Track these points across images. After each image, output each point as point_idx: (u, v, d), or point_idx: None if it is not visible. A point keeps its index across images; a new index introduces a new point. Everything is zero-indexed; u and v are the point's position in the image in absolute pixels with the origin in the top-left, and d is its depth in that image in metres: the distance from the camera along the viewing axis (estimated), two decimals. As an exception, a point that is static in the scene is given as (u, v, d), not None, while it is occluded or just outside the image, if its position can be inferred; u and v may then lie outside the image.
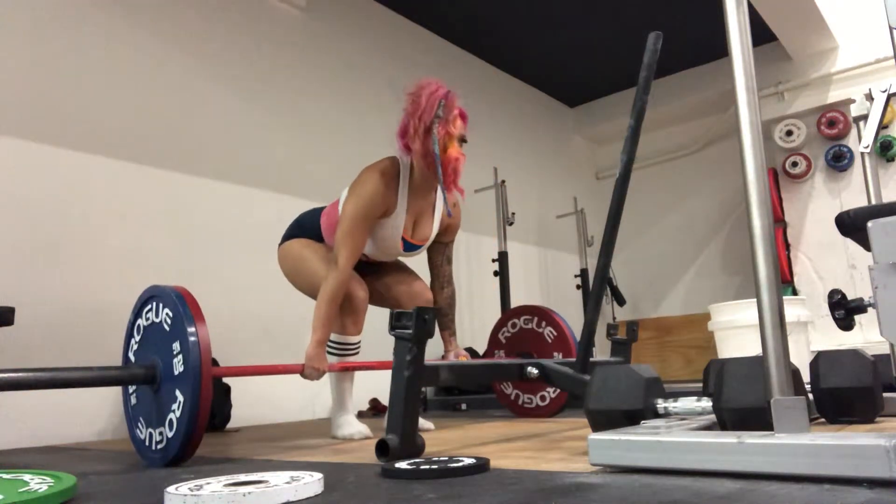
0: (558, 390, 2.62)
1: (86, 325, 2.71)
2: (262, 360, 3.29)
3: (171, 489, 1.04)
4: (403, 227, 2.16)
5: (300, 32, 3.84)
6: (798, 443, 0.95)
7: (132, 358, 1.82)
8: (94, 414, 2.67)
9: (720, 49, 1.16)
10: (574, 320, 5.53)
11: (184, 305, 1.64)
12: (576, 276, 5.48)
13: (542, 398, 2.70)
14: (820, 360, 1.68)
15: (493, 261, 4.47)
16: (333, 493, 1.08)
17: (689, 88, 5.43)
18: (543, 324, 2.74)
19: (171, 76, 3.19)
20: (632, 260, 5.80)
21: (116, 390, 2.75)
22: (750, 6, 1.21)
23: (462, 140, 2.10)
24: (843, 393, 1.61)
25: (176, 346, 1.62)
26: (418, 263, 2.47)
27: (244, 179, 3.38)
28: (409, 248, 2.23)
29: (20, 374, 1.53)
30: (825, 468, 0.93)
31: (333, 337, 2.21)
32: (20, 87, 2.69)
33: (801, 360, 2.55)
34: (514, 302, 4.20)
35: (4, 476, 1.27)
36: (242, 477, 1.13)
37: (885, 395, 1.69)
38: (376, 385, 3.23)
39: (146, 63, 3.11)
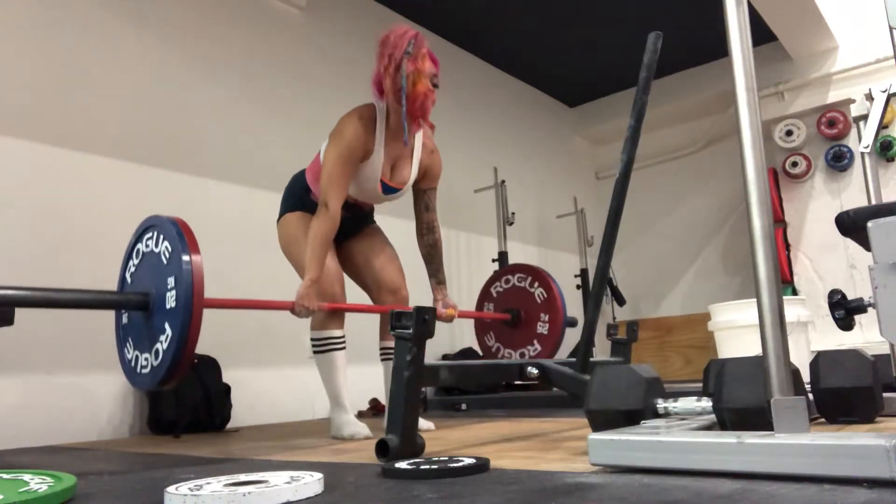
0: (539, 349, 2.70)
1: (86, 325, 2.70)
2: (262, 359, 3.30)
3: (171, 489, 1.04)
4: (381, 170, 2.21)
5: (300, 32, 3.84)
6: (798, 443, 0.95)
7: (128, 280, 1.86)
8: (94, 414, 2.67)
9: (720, 49, 1.16)
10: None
11: (182, 240, 1.66)
12: (576, 276, 5.48)
13: (522, 355, 2.75)
14: (820, 360, 1.68)
15: (493, 261, 4.47)
16: (333, 493, 1.08)
17: (689, 88, 5.44)
18: (536, 284, 2.77)
19: (171, 76, 3.19)
20: (632, 260, 5.81)
21: (117, 394, 2.76)
22: (750, 6, 1.21)
23: (434, 82, 2.13)
24: (843, 393, 1.61)
25: (171, 280, 1.64)
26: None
27: (244, 179, 3.38)
28: (388, 190, 2.26)
29: (16, 292, 1.57)
30: (825, 468, 0.93)
31: (314, 334, 2.23)
32: (20, 88, 2.69)
33: (801, 360, 2.55)
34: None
35: (4, 476, 1.27)
36: (242, 477, 1.13)
37: (885, 395, 1.69)
38: (376, 385, 3.22)
39: (146, 63, 3.11)
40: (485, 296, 2.95)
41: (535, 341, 2.72)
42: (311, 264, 2.06)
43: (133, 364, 1.75)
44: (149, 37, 3.14)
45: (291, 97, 3.70)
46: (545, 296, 2.73)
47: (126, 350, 1.80)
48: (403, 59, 2.06)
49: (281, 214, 2.38)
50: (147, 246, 1.79)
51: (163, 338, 1.63)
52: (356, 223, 2.41)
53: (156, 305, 1.69)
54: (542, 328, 2.71)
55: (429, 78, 2.11)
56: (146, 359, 1.69)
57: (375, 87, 2.17)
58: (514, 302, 2.83)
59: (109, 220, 2.86)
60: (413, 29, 2.13)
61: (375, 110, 2.19)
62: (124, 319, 1.86)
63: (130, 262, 1.86)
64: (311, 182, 2.30)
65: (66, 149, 2.77)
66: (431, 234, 2.41)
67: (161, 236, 1.73)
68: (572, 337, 5.37)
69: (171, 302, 1.63)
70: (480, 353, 2.98)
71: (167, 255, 1.69)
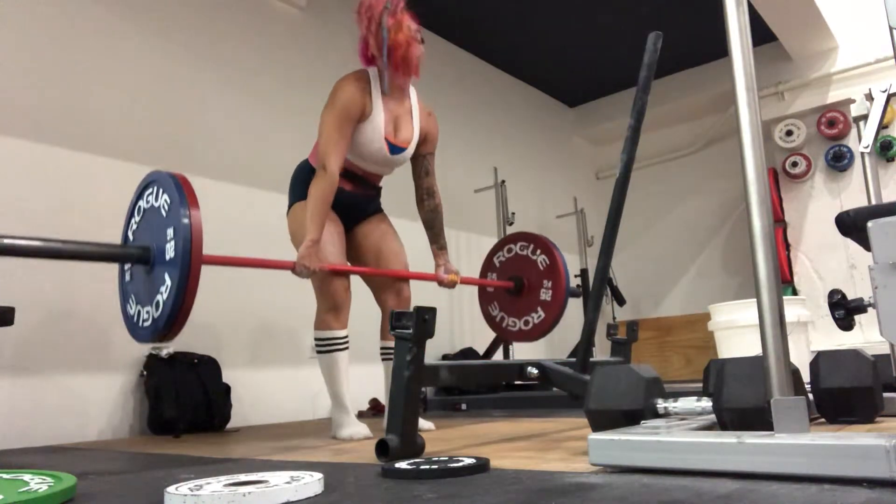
0: (543, 315, 2.70)
1: (86, 326, 2.71)
2: (263, 358, 3.30)
3: (171, 489, 1.04)
4: (385, 129, 2.23)
5: (300, 32, 3.84)
6: (798, 443, 0.95)
7: (131, 237, 1.88)
8: (94, 414, 2.67)
9: (720, 49, 1.16)
10: (574, 320, 5.54)
11: (180, 193, 1.69)
12: (576, 276, 5.47)
13: (526, 322, 2.75)
14: (820, 360, 1.68)
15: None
16: (333, 493, 1.08)
17: (689, 88, 5.44)
18: (538, 252, 2.78)
19: (171, 76, 3.19)
20: (632, 260, 5.80)
21: (116, 390, 2.76)
22: (750, 6, 1.21)
23: (416, 36, 2.21)
24: (843, 393, 1.61)
25: (170, 231, 1.67)
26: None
27: (244, 179, 3.38)
28: (395, 150, 2.27)
29: (20, 241, 1.60)
30: (825, 468, 0.93)
31: (318, 334, 2.22)
32: (20, 88, 2.69)
33: (801, 360, 2.55)
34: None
35: (4, 476, 1.27)
36: (242, 477, 1.13)
37: (885, 395, 1.69)
38: (376, 385, 3.22)
39: (147, 63, 3.11)
40: (488, 265, 2.96)
41: (539, 308, 2.73)
42: (312, 225, 2.07)
43: (135, 319, 1.78)
44: (149, 37, 3.14)
45: (291, 97, 3.70)
46: (548, 263, 2.74)
47: (129, 307, 1.83)
48: (383, 13, 2.14)
49: (290, 205, 2.36)
50: (147, 202, 1.81)
51: (163, 289, 1.65)
52: (364, 203, 2.39)
53: (156, 258, 1.71)
54: (546, 295, 2.72)
55: (411, 30, 2.18)
56: (147, 312, 1.72)
57: (363, 56, 2.24)
58: (518, 270, 2.84)
59: (109, 220, 2.85)
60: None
61: (368, 74, 2.23)
62: (127, 277, 1.88)
63: (132, 220, 1.88)
64: (315, 162, 2.29)
65: (66, 149, 2.77)
66: (432, 198, 2.42)
67: (161, 190, 1.75)
68: (572, 337, 5.38)
69: (170, 253, 1.65)
70: (486, 322, 2.97)
71: (167, 208, 1.71)
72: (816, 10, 4.14)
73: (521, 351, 4.60)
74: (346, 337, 2.24)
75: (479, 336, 4.53)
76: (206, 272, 3.18)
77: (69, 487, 1.14)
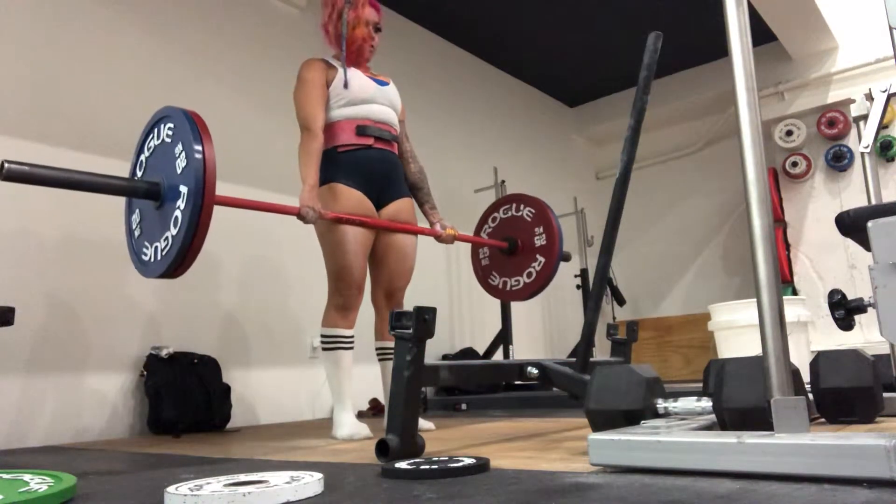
0: (541, 265, 2.76)
1: (86, 326, 2.71)
2: (263, 359, 3.30)
3: (171, 489, 1.04)
4: (360, 72, 2.35)
5: (300, 32, 3.84)
6: (798, 443, 0.95)
7: (139, 174, 1.84)
8: (94, 414, 2.67)
9: (720, 49, 1.16)
10: (574, 320, 5.55)
11: (193, 127, 1.66)
12: (576, 276, 5.48)
13: (529, 275, 2.80)
14: (820, 360, 1.68)
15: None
16: (333, 493, 1.08)
17: (689, 88, 5.44)
18: (532, 212, 2.83)
19: (170, 76, 3.19)
20: (632, 260, 5.81)
21: (116, 390, 2.76)
22: (750, 6, 1.21)
23: (376, 28, 2.37)
24: (843, 393, 1.61)
25: (181, 164, 1.64)
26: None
27: (244, 179, 3.38)
28: (380, 83, 2.38)
29: (24, 167, 1.57)
30: (825, 468, 0.93)
31: (325, 331, 2.22)
32: (20, 87, 2.69)
33: (801, 360, 2.55)
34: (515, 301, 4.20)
35: (4, 476, 1.27)
36: (242, 477, 1.13)
37: (885, 395, 1.69)
38: (376, 385, 3.23)
39: (146, 63, 3.11)
40: (482, 224, 3.02)
41: (538, 255, 2.78)
42: (306, 173, 2.15)
43: (144, 254, 1.75)
44: (149, 37, 3.14)
45: (291, 97, 3.69)
46: (534, 213, 2.81)
47: (136, 242, 1.80)
48: (345, 7, 2.30)
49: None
50: (159, 137, 1.78)
51: (173, 224, 1.62)
52: (393, 171, 2.36)
53: (167, 194, 1.68)
54: (540, 240, 2.78)
55: (369, 25, 2.33)
56: (156, 247, 1.69)
57: (324, 34, 2.40)
58: (508, 231, 2.89)
59: (110, 219, 2.85)
60: None
61: (330, 58, 2.36)
62: (135, 214, 1.84)
63: (141, 156, 1.84)
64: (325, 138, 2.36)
65: (66, 149, 2.77)
66: (416, 161, 2.52)
67: (173, 126, 1.72)
68: (572, 337, 5.38)
69: (182, 187, 1.62)
70: (489, 293, 2.98)
71: (180, 144, 1.67)
72: (816, 10, 4.14)
73: (521, 351, 4.60)
74: (352, 337, 2.24)
75: (479, 336, 4.54)
76: (207, 273, 3.19)
77: (69, 487, 1.14)
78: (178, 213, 1.62)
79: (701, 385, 1.51)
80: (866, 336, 3.80)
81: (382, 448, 1.44)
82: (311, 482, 1.06)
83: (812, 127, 4.76)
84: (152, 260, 1.71)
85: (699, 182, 5.70)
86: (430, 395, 3.82)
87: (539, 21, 4.61)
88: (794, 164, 4.79)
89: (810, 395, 1.64)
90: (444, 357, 4.20)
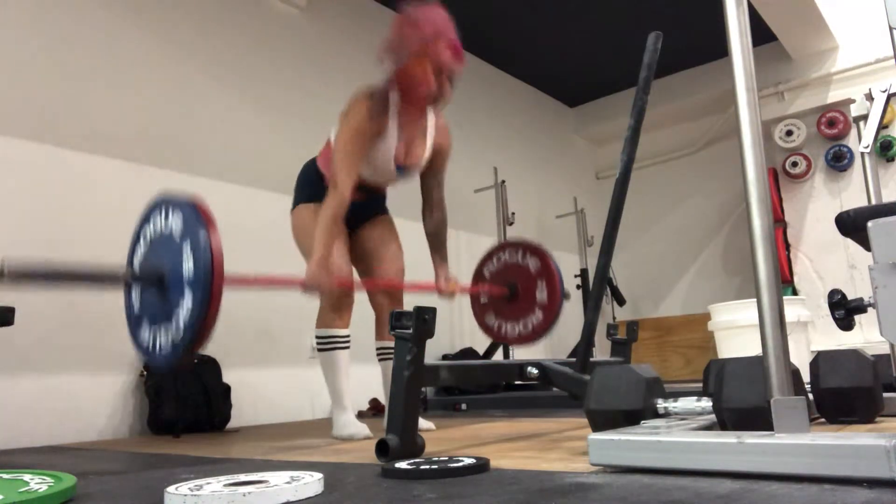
0: (539, 321, 2.71)
1: (86, 326, 2.71)
2: (263, 360, 3.29)
3: (171, 489, 1.04)
4: (395, 150, 2.18)
5: (300, 32, 3.84)
6: (798, 443, 0.95)
7: (136, 266, 1.78)
8: (94, 414, 2.67)
9: (720, 49, 1.15)
10: (574, 320, 5.54)
11: (195, 212, 1.60)
12: (576, 276, 5.48)
13: (525, 325, 2.76)
14: (820, 360, 1.68)
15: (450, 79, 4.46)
16: (333, 493, 1.08)
17: (689, 88, 5.44)
18: (527, 255, 2.78)
19: (170, 76, 3.19)
20: (632, 260, 5.80)
21: (116, 390, 2.75)
22: (750, 6, 1.21)
23: (450, 76, 2.09)
24: (843, 393, 1.61)
25: (186, 252, 1.57)
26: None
27: (244, 179, 3.38)
28: (402, 171, 2.26)
29: (25, 267, 1.50)
30: (825, 468, 0.93)
31: (320, 332, 2.22)
32: (21, 87, 2.69)
33: (801, 360, 2.55)
34: (514, 302, 4.20)
35: (4, 476, 1.27)
36: (242, 477, 1.13)
37: (885, 395, 1.69)
38: (376, 385, 3.22)
39: (146, 63, 3.11)
40: (478, 277, 2.95)
41: (537, 309, 2.74)
42: (320, 245, 2.02)
43: (151, 345, 1.69)
44: (149, 37, 3.14)
45: (291, 97, 3.70)
46: (539, 265, 2.75)
47: (142, 331, 1.74)
48: (418, 43, 2.02)
49: (295, 204, 2.36)
50: (156, 226, 1.72)
51: (182, 312, 1.57)
52: (370, 208, 2.39)
53: (171, 281, 1.62)
54: (541, 296, 2.73)
55: (441, 72, 2.05)
56: (165, 336, 1.63)
57: (388, 61, 2.11)
58: (509, 277, 2.84)
59: (110, 220, 2.86)
60: (444, 19, 2.07)
61: (388, 89, 2.13)
62: (136, 304, 1.78)
63: (137, 247, 1.78)
64: (324, 168, 2.28)
65: (66, 149, 2.77)
66: (441, 211, 2.40)
67: (172, 212, 1.66)
68: (572, 337, 5.38)
69: (188, 274, 1.56)
70: (484, 333, 2.96)
71: (181, 229, 1.61)
72: (816, 10, 4.14)
73: (521, 351, 4.60)
74: (347, 336, 2.24)
75: (479, 336, 4.52)
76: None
77: (69, 487, 1.14)
78: (186, 300, 1.56)
79: (701, 385, 1.51)
80: (866, 336, 3.80)
81: (382, 448, 1.44)
82: (311, 482, 1.06)
83: (812, 127, 4.76)
84: (160, 349, 1.64)
85: (699, 182, 5.70)
86: (430, 395, 3.82)
87: (539, 21, 4.61)
88: (794, 164, 4.80)
89: (810, 395, 1.64)
90: (444, 357, 4.20)
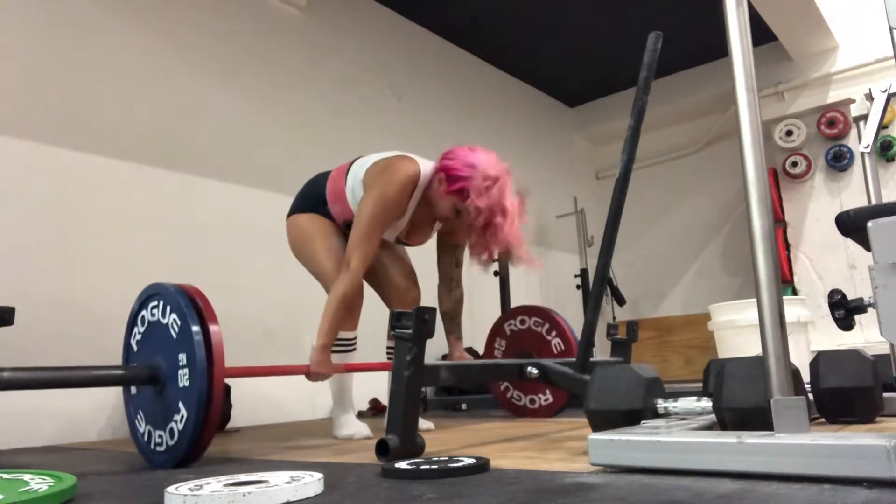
0: (550, 399, 2.65)
1: (86, 325, 2.71)
2: (263, 360, 3.29)
3: (171, 489, 1.04)
4: (402, 229, 2.20)
5: (300, 32, 3.84)
6: (798, 443, 0.95)
7: (134, 347, 1.77)
8: (94, 414, 2.67)
9: (720, 49, 1.15)
10: (574, 320, 5.53)
11: (191, 312, 1.55)
12: (576, 276, 5.48)
13: (532, 401, 2.72)
14: (820, 360, 1.68)
15: (494, 260, 4.47)
16: (333, 493, 1.08)
17: (689, 88, 5.43)
18: (544, 323, 2.74)
19: (170, 76, 3.19)
20: (632, 260, 5.80)
21: (116, 391, 2.75)
22: (750, 6, 1.21)
23: (488, 220, 2.04)
24: (843, 393, 1.61)
25: (182, 357, 1.55)
26: (426, 265, 2.48)
27: (244, 179, 3.38)
28: (402, 244, 2.29)
29: (19, 374, 1.49)
30: (825, 468, 0.93)
31: None
32: (21, 87, 2.69)
33: (801, 360, 2.55)
34: (515, 301, 4.20)
35: (4, 476, 1.27)
36: (242, 477, 1.13)
37: (885, 395, 1.69)
38: (376, 385, 3.22)
39: (146, 63, 3.11)
40: (497, 331, 2.92)
41: (547, 391, 2.67)
42: (325, 328, 1.95)
43: (147, 440, 1.66)
44: (148, 37, 3.14)
45: (291, 97, 3.70)
46: (563, 348, 2.66)
47: (138, 424, 1.71)
48: (470, 192, 1.98)
49: (292, 212, 2.30)
50: (152, 314, 1.68)
51: (177, 417, 1.54)
52: None
53: (167, 380, 1.60)
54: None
55: (491, 212, 2.01)
56: (161, 437, 1.60)
57: (450, 183, 2.03)
58: (527, 345, 2.76)
59: (110, 220, 2.86)
60: (502, 167, 2.11)
61: (421, 172, 2.08)
62: (133, 390, 1.77)
63: (135, 330, 1.76)
64: (330, 198, 2.20)
65: (66, 149, 2.77)
66: (458, 289, 2.36)
67: (167, 307, 1.62)
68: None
69: (183, 380, 1.54)
70: (496, 390, 2.92)
71: (176, 329, 1.58)
72: (816, 10, 4.14)
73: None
74: (354, 339, 2.22)
75: (479, 336, 4.53)
76: (206, 275, 3.18)
77: (69, 487, 1.14)
78: (181, 406, 1.53)
79: (701, 385, 1.51)
80: (866, 336, 3.80)
81: (382, 448, 1.44)
82: (311, 482, 1.06)
83: (812, 127, 4.76)
84: (156, 450, 1.62)
85: (699, 182, 5.70)
86: (430, 395, 3.81)
87: (539, 21, 4.61)
88: (794, 164, 4.79)
89: (810, 395, 1.64)
90: (444, 357, 4.19)
